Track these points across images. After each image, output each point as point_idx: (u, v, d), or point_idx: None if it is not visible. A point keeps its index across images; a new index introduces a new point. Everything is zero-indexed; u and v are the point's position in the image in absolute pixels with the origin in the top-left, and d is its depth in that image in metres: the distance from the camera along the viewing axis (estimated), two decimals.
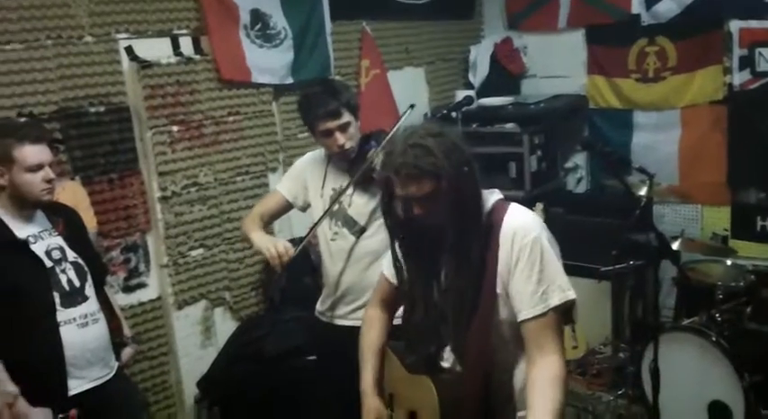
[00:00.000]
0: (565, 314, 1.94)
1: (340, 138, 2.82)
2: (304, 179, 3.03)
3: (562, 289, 1.91)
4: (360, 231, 2.88)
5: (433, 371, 2.07)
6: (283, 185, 3.09)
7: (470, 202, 1.94)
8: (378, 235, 2.87)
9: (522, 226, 1.93)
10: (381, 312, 2.33)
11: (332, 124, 2.80)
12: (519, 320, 1.92)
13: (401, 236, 2.06)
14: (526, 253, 1.90)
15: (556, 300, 1.90)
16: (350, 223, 2.91)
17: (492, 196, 2.02)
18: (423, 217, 1.93)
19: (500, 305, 1.95)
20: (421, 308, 2.07)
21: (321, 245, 3.04)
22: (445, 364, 2.07)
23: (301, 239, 2.95)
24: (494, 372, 1.98)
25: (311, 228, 2.93)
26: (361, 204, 2.89)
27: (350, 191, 2.89)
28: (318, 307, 3.13)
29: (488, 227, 1.95)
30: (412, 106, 3.01)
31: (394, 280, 2.19)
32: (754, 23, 4.49)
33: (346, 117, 2.83)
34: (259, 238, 2.88)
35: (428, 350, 2.08)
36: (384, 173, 1.96)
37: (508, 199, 2.04)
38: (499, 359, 1.99)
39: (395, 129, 2.81)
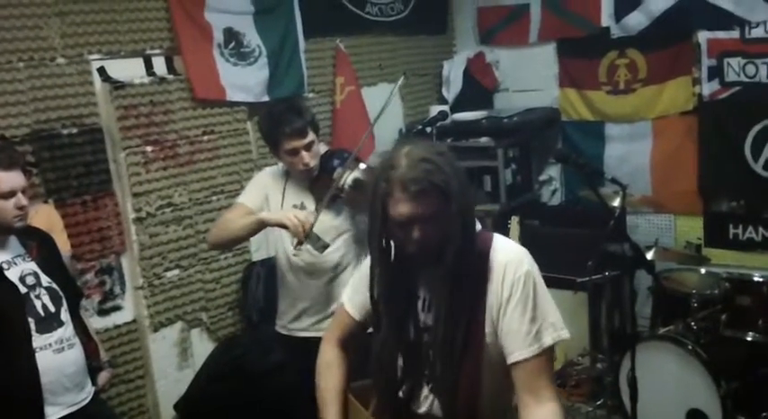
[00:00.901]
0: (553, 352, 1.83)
1: (305, 156, 2.87)
2: (265, 193, 3.04)
3: (555, 327, 1.79)
4: (323, 247, 2.90)
5: (405, 417, 1.91)
6: (246, 197, 3.07)
7: (472, 227, 1.80)
8: (341, 249, 2.97)
9: (513, 258, 1.81)
10: (340, 352, 2.12)
11: (298, 143, 2.85)
12: (510, 362, 1.78)
13: (386, 264, 1.86)
14: (519, 288, 1.77)
15: (549, 340, 1.77)
16: (313, 239, 2.91)
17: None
18: (422, 240, 1.74)
19: (487, 343, 1.80)
20: (393, 346, 1.89)
21: (281, 260, 3.08)
22: (422, 409, 1.91)
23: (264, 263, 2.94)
24: (480, 417, 1.84)
25: (316, 213, 2.87)
26: (325, 221, 2.91)
27: (311, 207, 2.94)
28: (279, 321, 3.16)
29: (477, 258, 1.80)
30: (405, 75, 3.02)
31: (357, 316, 2.04)
32: (721, 34, 4.56)
33: (311, 136, 2.88)
34: (271, 214, 2.89)
35: (400, 392, 1.91)
36: (382, 190, 1.76)
37: (485, 213, 1.99)
38: (486, 403, 1.83)
39: (390, 95, 3.02)
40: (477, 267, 1.80)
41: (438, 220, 1.73)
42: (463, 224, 1.75)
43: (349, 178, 2.78)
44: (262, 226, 2.91)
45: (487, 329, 1.80)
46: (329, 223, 2.94)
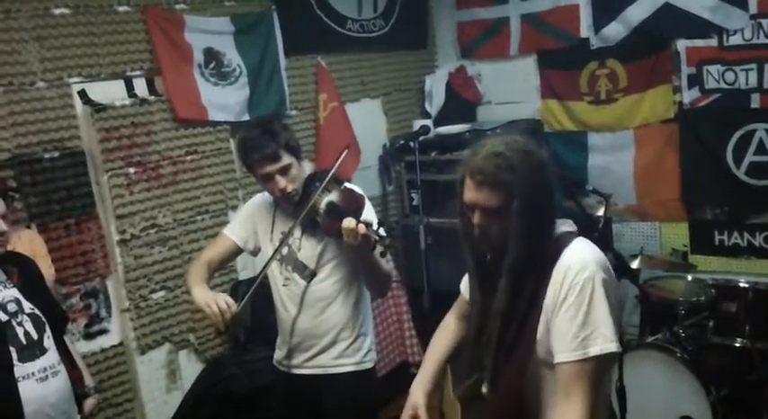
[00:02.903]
0: (605, 366, 1.81)
1: (281, 181, 2.71)
2: (254, 223, 2.94)
3: (605, 338, 1.76)
4: (311, 275, 2.80)
5: (471, 397, 2.01)
6: (233, 230, 2.96)
7: (538, 230, 1.85)
8: (330, 278, 2.83)
9: (578, 262, 1.80)
10: (457, 320, 2.29)
11: (271, 168, 2.69)
12: (555, 362, 1.79)
13: (470, 248, 1.97)
14: (575, 291, 1.77)
15: (596, 349, 1.75)
16: (300, 267, 2.82)
17: (561, 226, 1.92)
18: (481, 227, 1.86)
19: (539, 341, 1.84)
20: (474, 331, 2.00)
21: (273, 291, 2.96)
22: (484, 391, 1.99)
23: (252, 281, 2.85)
24: (524, 412, 1.88)
25: (260, 272, 2.81)
26: (309, 247, 2.81)
27: (297, 234, 2.81)
28: (276, 355, 3.05)
29: (545, 259, 1.85)
30: (348, 147, 2.93)
31: (467, 295, 2.16)
32: (699, 42, 4.60)
33: (286, 159, 2.71)
34: (198, 294, 2.71)
35: (473, 374, 2.01)
36: (461, 172, 1.90)
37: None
38: (531, 398, 1.87)
39: (333, 168, 2.73)
40: (544, 267, 1.83)
41: (499, 214, 1.82)
42: (527, 224, 1.81)
43: (323, 201, 2.66)
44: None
45: (541, 328, 1.82)
46: (313, 250, 2.82)
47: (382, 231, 2.47)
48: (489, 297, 1.93)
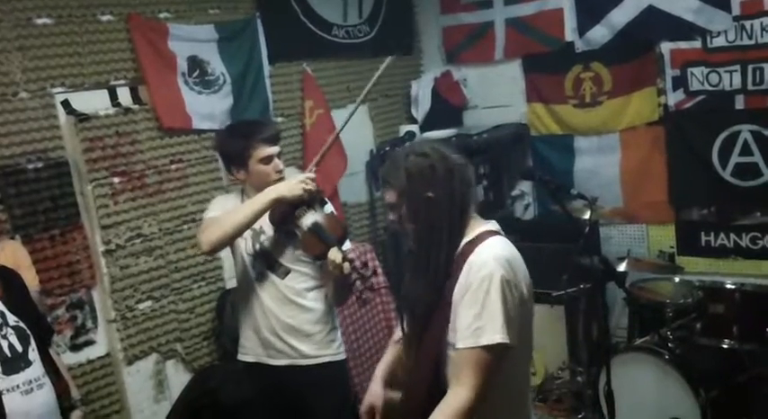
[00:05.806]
0: (495, 356, 1.92)
1: (279, 163, 2.90)
2: (228, 211, 2.96)
3: (495, 330, 1.90)
4: (285, 272, 2.91)
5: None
6: (217, 212, 2.94)
7: (429, 225, 2.02)
8: (304, 275, 2.94)
9: (481, 260, 1.96)
10: None
11: (273, 149, 2.88)
12: (455, 349, 1.96)
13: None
14: (474, 286, 1.93)
15: (486, 339, 1.90)
16: (273, 265, 2.92)
17: (483, 226, 2.07)
18: (392, 221, 2.11)
19: (450, 330, 1.99)
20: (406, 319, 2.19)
21: (241, 288, 3.05)
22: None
23: None
24: (438, 393, 1.99)
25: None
26: (282, 245, 2.91)
27: (269, 232, 2.91)
28: (244, 350, 3.13)
29: (461, 255, 2.00)
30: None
31: None
32: (683, 44, 4.62)
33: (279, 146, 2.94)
34: (281, 191, 2.76)
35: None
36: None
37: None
38: (446, 382, 2.01)
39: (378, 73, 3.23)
40: (459, 261, 1.99)
41: (396, 210, 2.06)
42: (416, 220, 2.03)
43: (309, 220, 2.79)
44: (275, 203, 2.78)
45: (452, 316, 1.98)
46: (286, 247, 2.93)
47: (365, 270, 2.61)
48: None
